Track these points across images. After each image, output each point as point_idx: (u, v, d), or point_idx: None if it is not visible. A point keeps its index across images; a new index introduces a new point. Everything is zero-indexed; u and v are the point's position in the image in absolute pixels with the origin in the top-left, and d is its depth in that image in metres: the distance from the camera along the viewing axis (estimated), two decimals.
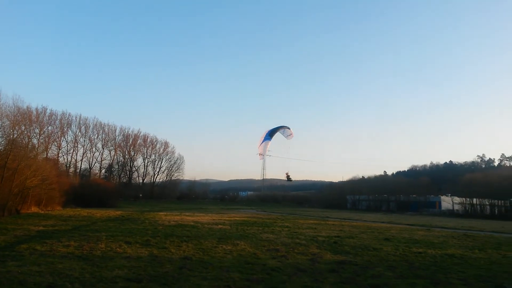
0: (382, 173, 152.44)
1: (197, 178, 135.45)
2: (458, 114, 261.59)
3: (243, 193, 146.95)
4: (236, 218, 38.13)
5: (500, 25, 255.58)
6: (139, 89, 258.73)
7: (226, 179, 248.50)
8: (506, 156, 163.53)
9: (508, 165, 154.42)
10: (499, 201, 78.52)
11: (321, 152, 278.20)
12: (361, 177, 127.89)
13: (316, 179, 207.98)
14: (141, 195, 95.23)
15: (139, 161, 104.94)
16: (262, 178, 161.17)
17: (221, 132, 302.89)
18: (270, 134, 33.69)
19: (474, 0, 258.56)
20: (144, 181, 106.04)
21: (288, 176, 39.81)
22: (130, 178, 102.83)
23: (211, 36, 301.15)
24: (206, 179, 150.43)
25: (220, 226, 27.91)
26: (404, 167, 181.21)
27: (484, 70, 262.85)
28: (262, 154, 34.53)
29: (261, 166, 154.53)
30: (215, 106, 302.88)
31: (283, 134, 34.31)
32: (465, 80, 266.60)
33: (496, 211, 78.13)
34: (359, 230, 28.87)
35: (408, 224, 40.50)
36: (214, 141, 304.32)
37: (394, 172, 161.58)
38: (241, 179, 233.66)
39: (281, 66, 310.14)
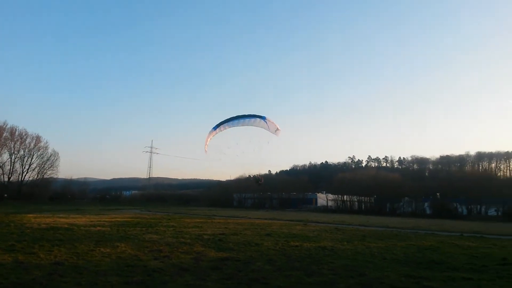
0: (267, 172, 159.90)
1: (74, 177, 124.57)
2: (333, 118, 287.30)
3: (127, 192, 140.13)
4: (117, 219, 36.08)
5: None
6: (6, 74, 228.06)
7: (108, 178, 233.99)
8: (372, 157, 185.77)
9: (373, 165, 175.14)
10: (365, 197, 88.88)
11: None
12: (247, 176, 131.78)
13: (204, 178, 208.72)
14: (6, 195, 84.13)
15: (4, 157, 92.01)
16: (148, 177, 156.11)
17: (103, 126, 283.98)
18: (220, 124, 26.06)
19: None
20: (11, 179, 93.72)
21: (257, 179, 30.57)
22: None
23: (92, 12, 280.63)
24: (85, 178, 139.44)
25: (98, 228, 26.09)
26: (286, 166, 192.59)
27: (352, 77, 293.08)
28: (207, 146, 26.42)
29: (148, 164, 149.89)
30: (95, 96, 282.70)
31: (267, 129, 25.79)
32: (341, 88, 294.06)
33: (363, 207, 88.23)
34: (243, 227, 29.77)
35: (288, 220, 43.19)
36: (95, 136, 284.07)
37: (278, 171, 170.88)
38: (125, 178, 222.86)
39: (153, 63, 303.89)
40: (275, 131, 25.97)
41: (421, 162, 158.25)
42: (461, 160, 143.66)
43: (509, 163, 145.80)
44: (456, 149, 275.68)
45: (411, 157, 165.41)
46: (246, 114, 26.09)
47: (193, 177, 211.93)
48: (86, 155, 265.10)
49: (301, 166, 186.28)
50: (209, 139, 26.48)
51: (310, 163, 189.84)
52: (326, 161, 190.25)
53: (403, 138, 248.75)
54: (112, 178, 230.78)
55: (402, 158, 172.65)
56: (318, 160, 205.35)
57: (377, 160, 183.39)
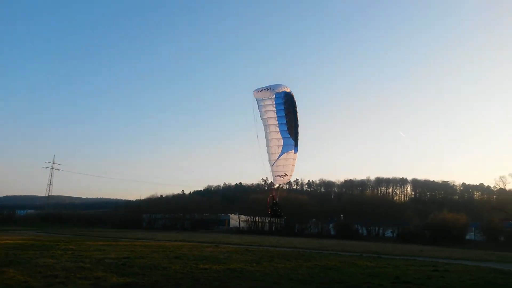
0: (180, 192, 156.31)
1: None
2: (246, 139, 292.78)
3: (22, 211, 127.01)
4: (7, 241, 32.40)
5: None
6: None
7: (0, 195, 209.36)
8: None
9: (284, 187, 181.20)
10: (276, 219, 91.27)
11: (120, 169, 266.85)
12: (159, 196, 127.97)
13: (111, 197, 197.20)
14: None
15: None
16: (47, 195, 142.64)
17: None
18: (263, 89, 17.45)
19: None
20: None
21: (275, 209, 19.08)
22: None
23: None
24: None
25: None
26: (200, 186, 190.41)
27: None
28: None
29: (47, 181, 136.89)
30: None
31: (273, 159, 17.59)
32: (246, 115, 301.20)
33: (274, 228, 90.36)
34: (151, 250, 28.60)
35: (199, 242, 42.53)
36: None
37: (191, 191, 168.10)
38: (20, 195, 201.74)
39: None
40: (279, 176, 17.36)
41: (328, 185, 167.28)
42: (363, 184, 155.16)
43: (403, 188, 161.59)
44: (359, 174, 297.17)
45: (319, 180, 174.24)
46: (294, 120, 17.28)
47: (99, 196, 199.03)
48: None
49: (215, 186, 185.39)
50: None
51: (224, 184, 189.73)
52: (240, 182, 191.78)
53: (313, 162, 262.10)
54: (4, 195, 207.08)
55: (311, 181, 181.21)
56: (232, 181, 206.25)
57: (288, 182, 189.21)
